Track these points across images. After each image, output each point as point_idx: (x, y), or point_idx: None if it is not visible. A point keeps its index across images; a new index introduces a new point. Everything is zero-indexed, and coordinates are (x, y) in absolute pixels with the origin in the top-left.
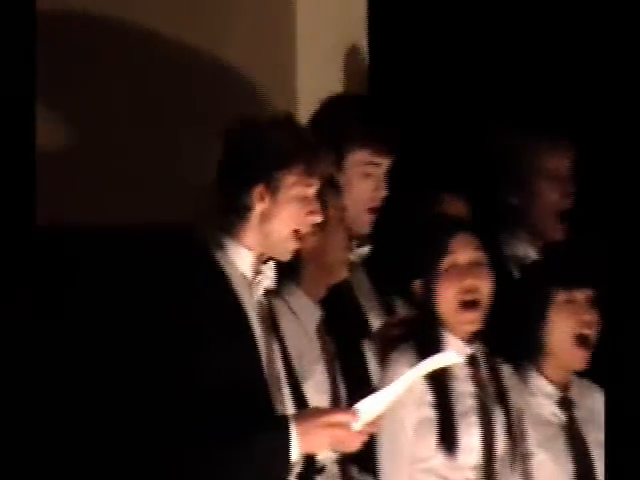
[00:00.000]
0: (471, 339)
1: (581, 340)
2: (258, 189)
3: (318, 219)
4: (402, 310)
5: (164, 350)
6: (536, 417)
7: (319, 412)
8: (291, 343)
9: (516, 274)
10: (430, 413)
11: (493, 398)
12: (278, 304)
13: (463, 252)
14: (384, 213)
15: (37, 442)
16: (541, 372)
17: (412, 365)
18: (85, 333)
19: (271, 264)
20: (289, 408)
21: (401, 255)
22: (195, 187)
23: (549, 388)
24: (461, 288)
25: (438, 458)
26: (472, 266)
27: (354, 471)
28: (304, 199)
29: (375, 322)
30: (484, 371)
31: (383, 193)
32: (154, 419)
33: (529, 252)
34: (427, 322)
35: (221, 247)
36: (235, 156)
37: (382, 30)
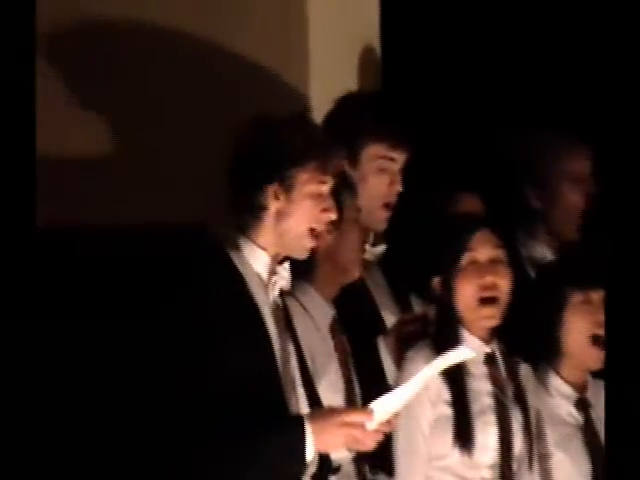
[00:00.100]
0: (489, 338)
1: (597, 340)
2: (272, 188)
3: (333, 216)
4: (418, 308)
5: (179, 349)
6: (553, 417)
7: (334, 411)
8: (304, 342)
9: (533, 275)
10: (447, 411)
11: (510, 397)
12: (291, 303)
13: (483, 249)
14: (400, 211)
15: (49, 443)
16: (558, 373)
17: (428, 363)
18: (89, 334)
19: (286, 265)
20: (303, 408)
21: (419, 252)
22: (199, 186)
23: (566, 389)
24: (480, 285)
25: (454, 456)
26: (492, 263)
27: (368, 470)
28: (318, 196)
29: (390, 320)
30: (502, 370)
31: (398, 189)
32: (169, 418)
33: (546, 253)
34: (445, 320)
35: (236, 247)
36: (248, 155)
37: (395, 28)
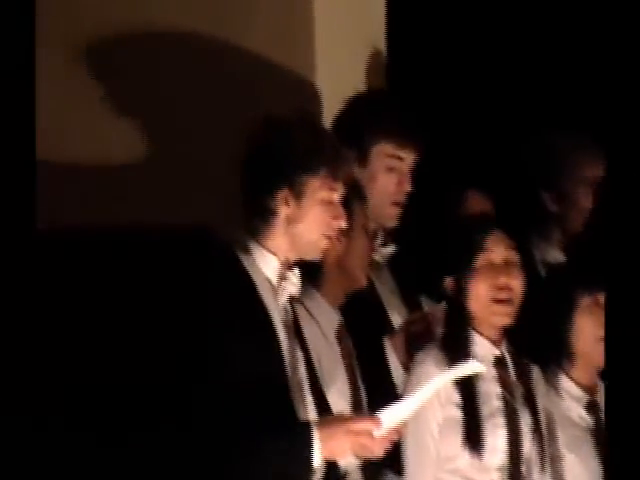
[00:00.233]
0: (498, 340)
1: None
2: (282, 193)
3: (343, 224)
4: (428, 309)
5: (187, 351)
6: (564, 419)
7: (342, 419)
8: (312, 349)
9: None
10: (456, 413)
11: (520, 399)
12: (298, 309)
13: (498, 250)
14: (409, 211)
15: (53, 446)
16: (569, 375)
17: (438, 366)
18: (90, 336)
19: (296, 271)
20: (311, 414)
21: (430, 252)
22: (201, 187)
23: (577, 391)
24: (495, 285)
25: (464, 458)
26: (506, 265)
27: (375, 471)
28: (328, 203)
29: (398, 322)
30: (511, 372)
31: (407, 188)
32: (175, 420)
33: (559, 256)
34: (455, 321)
35: (247, 251)
36: (259, 160)
37: (402, 27)
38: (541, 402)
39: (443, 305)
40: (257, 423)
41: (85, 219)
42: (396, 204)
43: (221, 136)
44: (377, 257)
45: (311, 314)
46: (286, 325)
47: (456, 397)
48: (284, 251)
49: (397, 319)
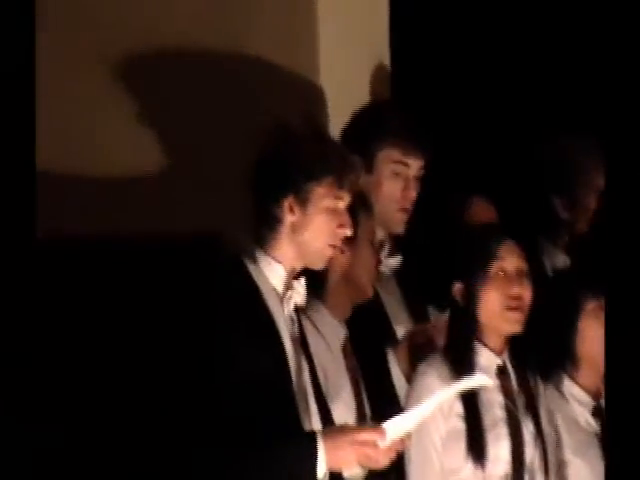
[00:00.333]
0: (501, 349)
1: None
2: (288, 201)
3: (348, 232)
4: (432, 320)
5: (192, 359)
6: (571, 424)
7: (347, 429)
8: (317, 361)
9: None
10: (459, 424)
11: (522, 408)
12: (304, 322)
13: (510, 259)
14: (415, 219)
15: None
16: (575, 380)
17: (440, 377)
18: (91, 346)
19: (302, 281)
20: (316, 425)
21: (438, 259)
22: (203, 195)
23: (583, 396)
24: (507, 295)
25: (467, 469)
26: (518, 274)
27: None
28: (334, 212)
29: (402, 333)
30: (513, 380)
31: (413, 194)
32: (180, 426)
33: (568, 263)
34: (460, 330)
35: (253, 259)
36: (265, 167)
37: (405, 30)
38: (542, 409)
39: (446, 315)
40: (262, 432)
41: (86, 228)
42: (403, 210)
43: (227, 143)
44: (384, 268)
45: (316, 327)
46: (292, 335)
47: (459, 408)
48: (290, 260)
49: (402, 331)
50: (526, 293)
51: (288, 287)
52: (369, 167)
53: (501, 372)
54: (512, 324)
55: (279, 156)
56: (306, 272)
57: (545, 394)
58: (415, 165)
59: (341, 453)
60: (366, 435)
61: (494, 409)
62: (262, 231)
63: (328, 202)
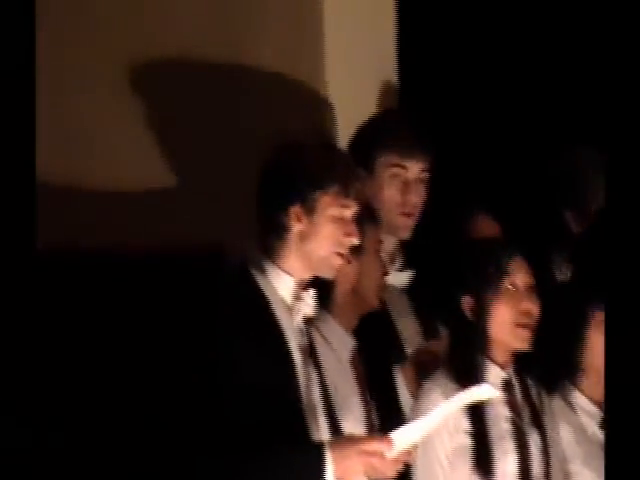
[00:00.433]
0: (506, 363)
1: None
2: (294, 209)
3: (355, 241)
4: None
5: (199, 371)
6: (580, 435)
7: (354, 439)
8: (326, 372)
9: None
10: (465, 441)
11: (528, 421)
12: (313, 332)
13: (520, 275)
14: (424, 232)
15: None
16: (582, 391)
17: (445, 393)
18: (93, 359)
19: (311, 292)
20: (324, 436)
21: (447, 273)
22: (203, 206)
23: (591, 407)
24: (518, 310)
25: None
26: (528, 289)
27: None
28: (340, 220)
29: (415, 347)
30: (518, 394)
31: (415, 198)
32: (188, 436)
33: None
34: (465, 344)
35: (262, 271)
36: (272, 176)
37: (412, 41)
38: (547, 421)
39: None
40: (270, 441)
41: (87, 239)
42: (405, 215)
43: (235, 153)
44: (394, 282)
45: (325, 338)
46: (301, 347)
47: (465, 424)
48: (298, 270)
49: (412, 346)
50: (535, 309)
51: (297, 298)
52: (370, 174)
53: (507, 386)
54: (521, 341)
55: (285, 165)
56: (313, 283)
57: (552, 405)
58: (414, 168)
59: (348, 463)
60: (374, 445)
61: (500, 423)
62: (269, 241)
63: (334, 210)
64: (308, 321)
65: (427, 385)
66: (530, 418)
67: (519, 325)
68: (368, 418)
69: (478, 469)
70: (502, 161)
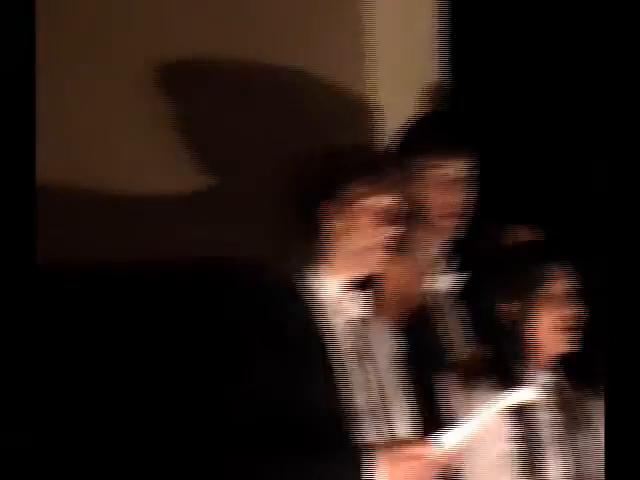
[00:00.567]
0: (548, 366)
1: None
2: (328, 206)
3: (392, 231)
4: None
5: (243, 377)
6: None
7: (401, 443)
8: (375, 373)
9: None
10: (508, 447)
11: (570, 425)
12: (358, 332)
13: (561, 280)
14: (468, 239)
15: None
16: None
17: (488, 401)
18: (98, 377)
19: (357, 293)
20: (372, 437)
21: (492, 279)
22: (208, 220)
23: None
24: (557, 316)
25: None
26: (567, 295)
27: None
28: (376, 210)
29: (459, 353)
30: (560, 398)
31: (455, 199)
32: (228, 441)
33: None
34: (510, 350)
35: (307, 276)
36: (304, 178)
37: (463, 54)
38: (589, 423)
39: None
40: (318, 443)
41: (90, 255)
42: (447, 215)
43: (280, 163)
44: (439, 285)
45: (371, 338)
46: (350, 348)
47: (507, 431)
48: (342, 270)
49: (456, 350)
50: (575, 313)
51: (344, 300)
52: (412, 175)
53: (548, 390)
54: (561, 345)
55: (317, 165)
56: (358, 278)
57: (593, 408)
58: (454, 167)
59: (395, 466)
60: (419, 450)
61: (543, 428)
62: (311, 245)
63: (369, 201)
64: (356, 322)
65: (471, 393)
66: (572, 422)
67: (559, 330)
68: (413, 420)
69: (522, 475)
70: (545, 165)
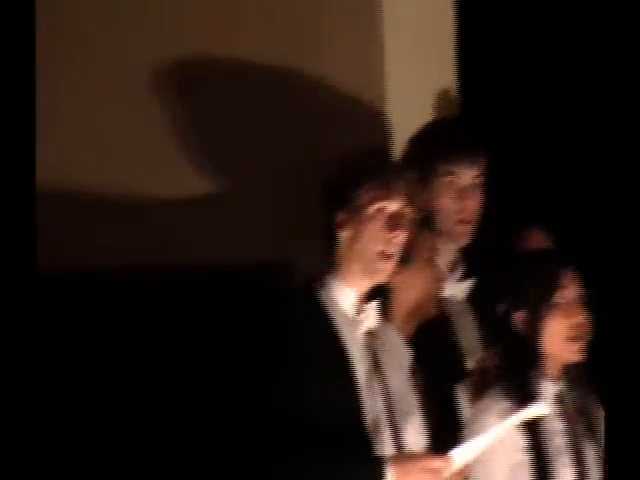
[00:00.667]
0: (559, 375)
1: None
2: (340, 215)
3: (402, 236)
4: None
5: (260, 386)
6: None
7: (416, 456)
8: (389, 383)
9: None
10: (522, 458)
11: (583, 434)
12: (374, 342)
13: (573, 287)
14: (481, 245)
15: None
16: None
17: (501, 413)
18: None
19: (374, 304)
20: (387, 449)
21: (503, 286)
22: (211, 226)
23: None
24: (571, 324)
25: None
26: (580, 302)
27: None
28: (385, 217)
29: (474, 361)
30: (573, 407)
31: (471, 205)
32: (247, 452)
33: None
34: (522, 358)
35: (325, 286)
36: (321, 190)
37: (474, 63)
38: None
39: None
40: (332, 456)
41: (91, 261)
42: (463, 222)
43: (293, 168)
44: (454, 292)
45: (386, 348)
46: (365, 359)
47: (521, 441)
48: (358, 280)
49: (473, 358)
50: (586, 321)
51: (360, 311)
52: (425, 182)
53: (560, 399)
54: (574, 354)
55: (332, 176)
56: (375, 293)
57: (600, 414)
58: (468, 174)
59: (410, 479)
60: (434, 463)
61: (556, 438)
62: (330, 254)
63: (377, 207)
64: (371, 332)
65: (482, 403)
66: (585, 430)
67: (571, 338)
68: (428, 430)
69: None
70: (557, 171)
